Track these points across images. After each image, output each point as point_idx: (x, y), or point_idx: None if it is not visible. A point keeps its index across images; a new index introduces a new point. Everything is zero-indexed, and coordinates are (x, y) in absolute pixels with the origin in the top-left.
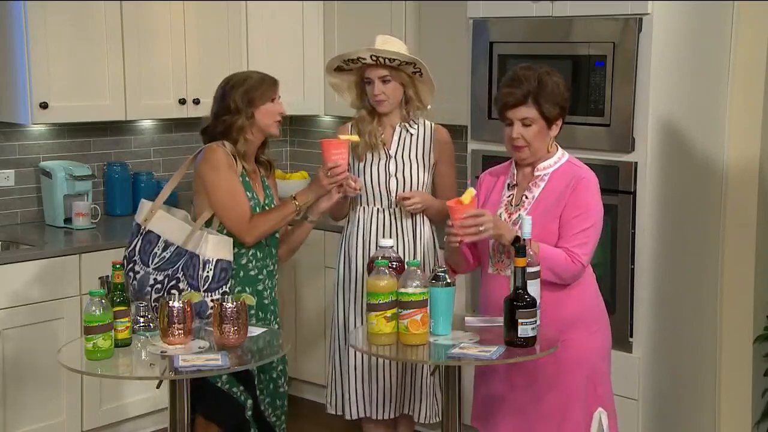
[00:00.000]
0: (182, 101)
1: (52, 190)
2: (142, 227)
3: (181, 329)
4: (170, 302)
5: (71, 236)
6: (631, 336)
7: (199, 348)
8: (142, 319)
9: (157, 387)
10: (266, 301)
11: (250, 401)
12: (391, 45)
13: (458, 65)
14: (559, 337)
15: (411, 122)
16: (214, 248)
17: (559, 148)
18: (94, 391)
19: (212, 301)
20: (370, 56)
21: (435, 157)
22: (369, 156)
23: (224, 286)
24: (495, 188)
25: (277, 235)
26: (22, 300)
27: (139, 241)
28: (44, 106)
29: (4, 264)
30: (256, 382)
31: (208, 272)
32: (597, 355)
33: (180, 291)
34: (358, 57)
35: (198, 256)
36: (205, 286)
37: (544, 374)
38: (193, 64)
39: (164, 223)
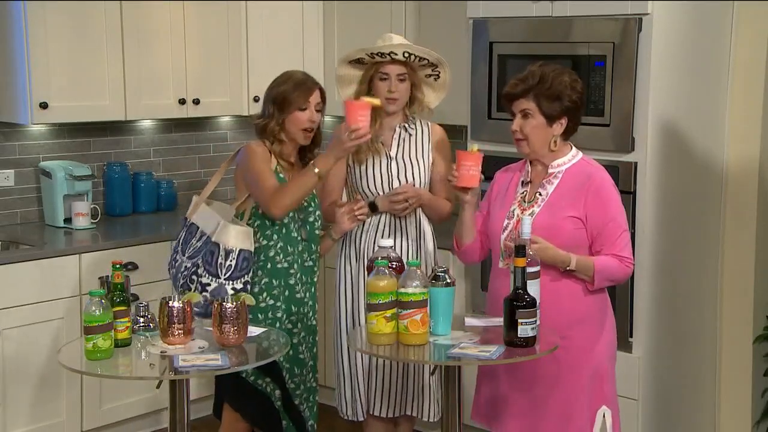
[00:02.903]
0: (182, 101)
1: (52, 190)
2: (188, 220)
3: (181, 329)
4: (170, 302)
5: (71, 236)
6: (631, 336)
7: (199, 348)
8: (142, 319)
9: (157, 387)
10: (299, 296)
11: (278, 391)
12: (405, 42)
13: (458, 65)
14: (559, 338)
15: (410, 122)
16: (236, 238)
17: (573, 147)
18: (94, 391)
19: (233, 289)
20: (402, 53)
21: (433, 157)
22: (370, 158)
23: (246, 276)
24: (510, 185)
25: (318, 232)
26: (22, 300)
27: (184, 233)
28: (44, 106)
29: (4, 264)
30: (288, 375)
31: (231, 261)
32: (604, 355)
33: (199, 277)
34: (391, 52)
35: (219, 245)
36: (227, 275)
37: (548, 374)
38: (193, 64)
39: (204, 215)
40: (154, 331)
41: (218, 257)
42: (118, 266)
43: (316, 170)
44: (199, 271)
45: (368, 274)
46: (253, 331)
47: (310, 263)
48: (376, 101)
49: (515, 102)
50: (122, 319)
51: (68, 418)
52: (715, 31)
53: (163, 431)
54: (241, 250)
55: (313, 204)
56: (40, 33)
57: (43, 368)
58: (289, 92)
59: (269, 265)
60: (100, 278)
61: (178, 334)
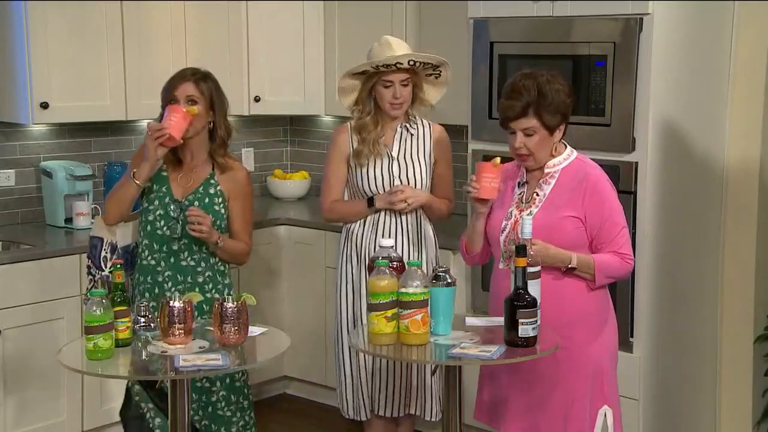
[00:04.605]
0: None
1: (52, 190)
2: None
3: (181, 329)
4: (170, 302)
5: (71, 236)
6: (631, 336)
7: (200, 348)
8: (142, 319)
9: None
10: (169, 294)
11: (158, 420)
12: (404, 47)
13: (458, 65)
14: (560, 337)
15: (411, 121)
16: (109, 231)
17: (568, 146)
18: (94, 391)
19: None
20: (408, 61)
21: (435, 157)
22: (371, 158)
23: (129, 269)
24: (507, 187)
25: (192, 231)
26: (22, 300)
27: None
28: (45, 106)
29: (4, 264)
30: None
31: (115, 256)
32: (604, 354)
33: (89, 269)
34: (396, 63)
35: (102, 239)
36: (111, 268)
37: (549, 373)
38: (193, 65)
39: None
40: (155, 331)
41: (101, 251)
42: (118, 266)
43: (137, 181)
44: (89, 263)
45: (369, 274)
46: (254, 330)
47: (191, 263)
48: (194, 110)
49: (514, 122)
50: (123, 319)
51: (69, 418)
52: (716, 30)
53: None
54: (127, 245)
55: (198, 203)
56: (40, 33)
57: (44, 368)
58: (163, 89)
59: (138, 261)
60: (100, 278)
61: (179, 334)
